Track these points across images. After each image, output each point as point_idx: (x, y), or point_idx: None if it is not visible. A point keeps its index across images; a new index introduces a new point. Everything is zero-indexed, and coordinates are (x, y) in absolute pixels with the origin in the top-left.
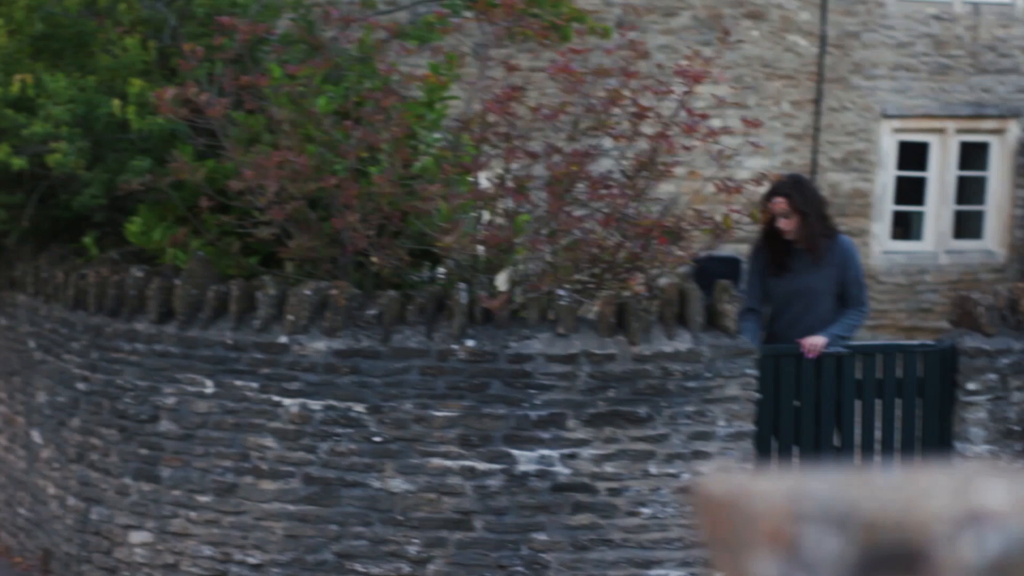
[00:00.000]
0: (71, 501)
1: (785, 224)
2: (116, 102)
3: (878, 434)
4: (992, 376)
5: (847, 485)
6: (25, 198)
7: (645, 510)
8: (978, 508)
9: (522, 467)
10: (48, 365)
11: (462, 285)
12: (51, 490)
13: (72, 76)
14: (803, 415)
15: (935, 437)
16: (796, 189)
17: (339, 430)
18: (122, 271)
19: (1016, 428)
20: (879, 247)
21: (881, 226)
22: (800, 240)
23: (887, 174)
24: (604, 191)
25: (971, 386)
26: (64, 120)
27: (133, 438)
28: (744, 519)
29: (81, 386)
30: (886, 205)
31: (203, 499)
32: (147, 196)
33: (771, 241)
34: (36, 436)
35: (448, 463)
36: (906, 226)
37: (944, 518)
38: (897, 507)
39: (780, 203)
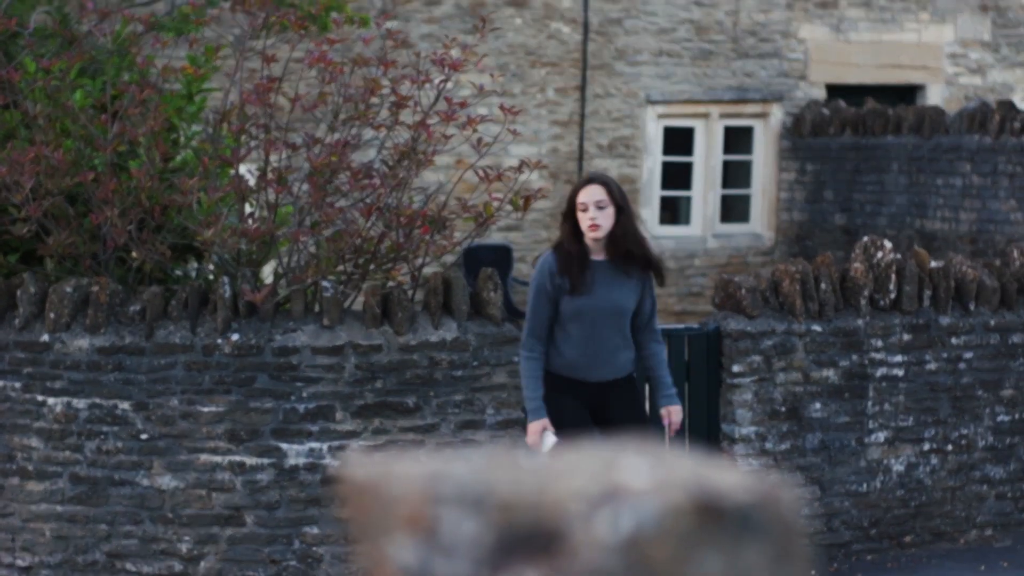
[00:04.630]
0: None
1: (602, 218)
2: None
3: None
4: (756, 358)
5: (487, 467)
6: None
7: None
8: (615, 486)
9: (292, 460)
10: None
11: (225, 279)
12: None
13: None
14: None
15: (703, 420)
16: (612, 181)
17: (105, 428)
18: None
19: (781, 409)
20: (647, 233)
21: (649, 211)
22: (617, 239)
23: (653, 160)
24: (366, 181)
25: (736, 368)
26: None
27: None
28: (383, 503)
29: None
30: (653, 190)
31: None
32: None
33: (566, 252)
34: None
35: (217, 458)
36: (674, 211)
37: (579, 497)
38: (534, 488)
39: (597, 191)
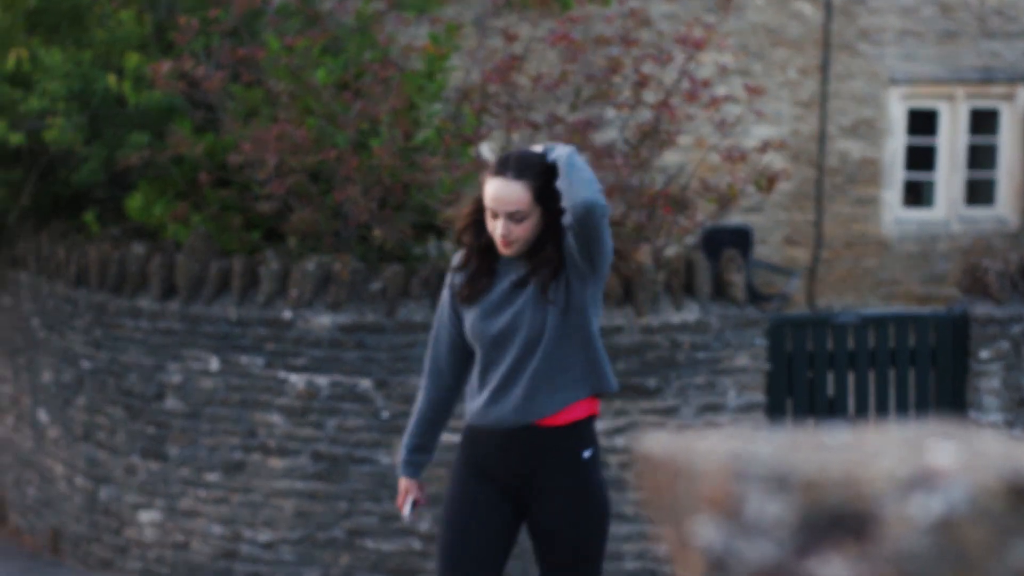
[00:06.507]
0: (79, 480)
1: (519, 232)
2: (112, 77)
3: (892, 404)
4: (1004, 344)
5: (792, 446)
6: (24, 175)
7: None
8: (925, 468)
9: None
10: (52, 343)
11: None
12: (59, 470)
13: (68, 50)
14: (817, 386)
15: (949, 405)
16: (534, 168)
17: (346, 406)
18: (124, 247)
19: None
20: (890, 215)
21: (892, 194)
22: (540, 260)
23: (896, 141)
24: (608, 161)
25: (984, 354)
26: (61, 95)
27: (139, 416)
28: (685, 481)
29: (86, 364)
30: (896, 173)
31: (211, 477)
32: (146, 171)
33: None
34: (42, 415)
35: (456, 438)
36: (917, 194)
37: (889, 479)
38: (841, 468)
39: (511, 195)
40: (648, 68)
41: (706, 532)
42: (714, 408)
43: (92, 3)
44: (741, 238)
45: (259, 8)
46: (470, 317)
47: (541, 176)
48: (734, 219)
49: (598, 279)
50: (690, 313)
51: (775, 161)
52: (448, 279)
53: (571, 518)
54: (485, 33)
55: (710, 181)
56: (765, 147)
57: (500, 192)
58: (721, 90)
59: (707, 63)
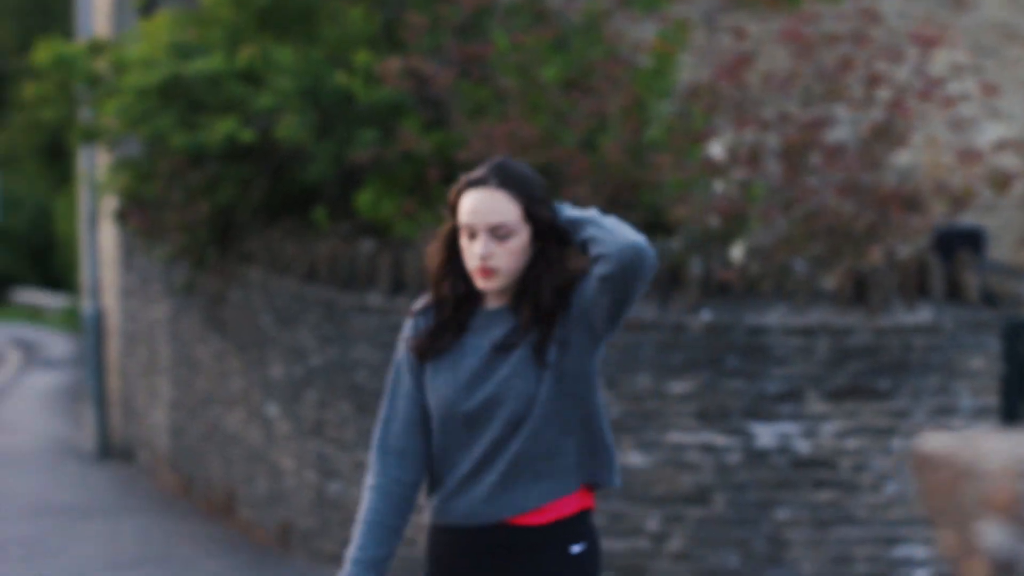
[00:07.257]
0: (308, 475)
1: (502, 256)
2: (342, 74)
3: None
4: None
5: None
6: (255, 172)
7: (889, 487)
8: None
9: (761, 442)
10: (282, 339)
11: (696, 256)
12: (288, 464)
13: (298, 48)
14: None
15: None
16: (526, 177)
17: None
18: (353, 244)
19: None
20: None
21: None
22: (530, 284)
23: None
24: (839, 160)
25: None
26: (291, 92)
27: (368, 411)
28: (968, 482)
29: (315, 359)
30: None
31: None
32: (375, 168)
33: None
34: (272, 410)
35: (686, 438)
36: None
37: None
38: None
39: (495, 204)
40: (880, 66)
41: (992, 535)
42: (947, 411)
43: (322, 1)
44: (974, 240)
45: (488, 6)
46: (438, 387)
47: (535, 193)
48: (967, 220)
49: (607, 339)
50: (923, 314)
51: (1010, 161)
52: (405, 331)
53: None
54: (714, 31)
55: (943, 181)
56: (1001, 147)
57: (479, 203)
58: (955, 87)
59: (939, 61)
